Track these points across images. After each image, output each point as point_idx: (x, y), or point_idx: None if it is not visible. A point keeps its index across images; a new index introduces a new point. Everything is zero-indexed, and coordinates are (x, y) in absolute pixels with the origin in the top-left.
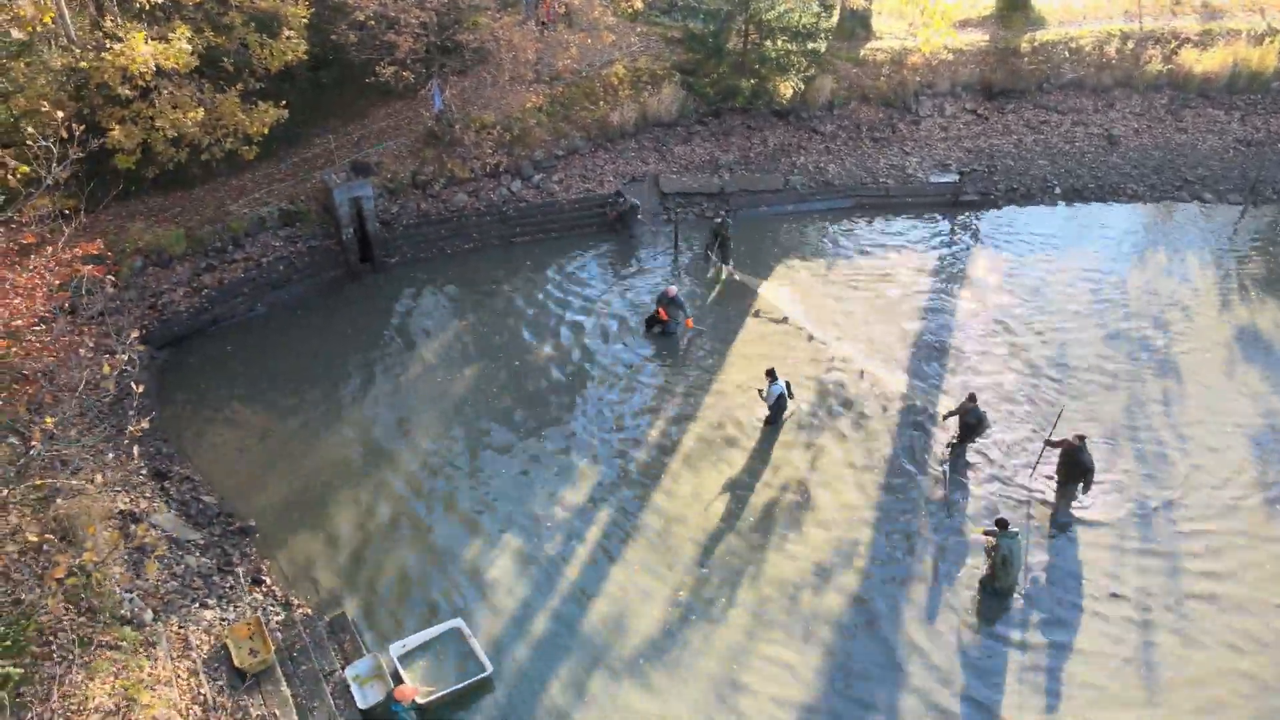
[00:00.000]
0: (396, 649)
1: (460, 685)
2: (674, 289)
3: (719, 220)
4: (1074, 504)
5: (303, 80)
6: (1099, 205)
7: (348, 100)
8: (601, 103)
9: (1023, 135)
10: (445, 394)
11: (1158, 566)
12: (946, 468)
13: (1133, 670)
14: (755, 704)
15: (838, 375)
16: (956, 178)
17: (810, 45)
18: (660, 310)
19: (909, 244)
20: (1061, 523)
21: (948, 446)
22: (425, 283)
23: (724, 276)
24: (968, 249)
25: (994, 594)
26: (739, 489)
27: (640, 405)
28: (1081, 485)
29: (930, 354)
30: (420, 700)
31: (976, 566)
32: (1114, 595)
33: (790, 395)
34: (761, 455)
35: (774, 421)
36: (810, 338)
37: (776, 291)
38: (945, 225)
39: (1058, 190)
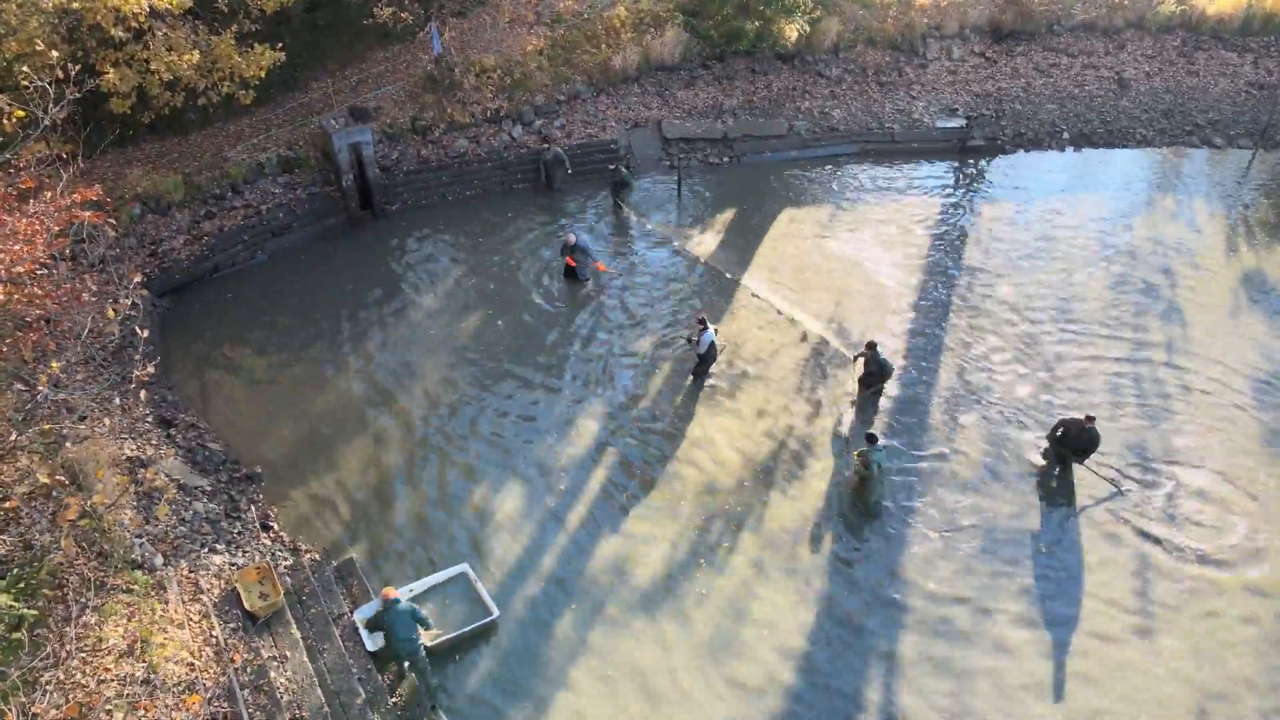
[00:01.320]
0: (404, 592)
1: (466, 629)
2: (573, 236)
3: (613, 169)
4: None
5: (298, 22)
6: (1108, 150)
7: (345, 43)
8: (603, 46)
9: (1031, 79)
10: (448, 340)
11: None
12: (853, 407)
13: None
14: (756, 651)
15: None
16: (963, 123)
17: None
18: (568, 258)
19: (913, 190)
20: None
21: (857, 386)
22: (426, 229)
23: (624, 216)
24: (973, 195)
25: (864, 509)
26: (741, 437)
27: (643, 348)
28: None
29: (931, 305)
30: (428, 644)
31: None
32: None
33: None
34: (765, 403)
35: (703, 372)
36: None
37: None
38: (951, 171)
39: (1066, 135)
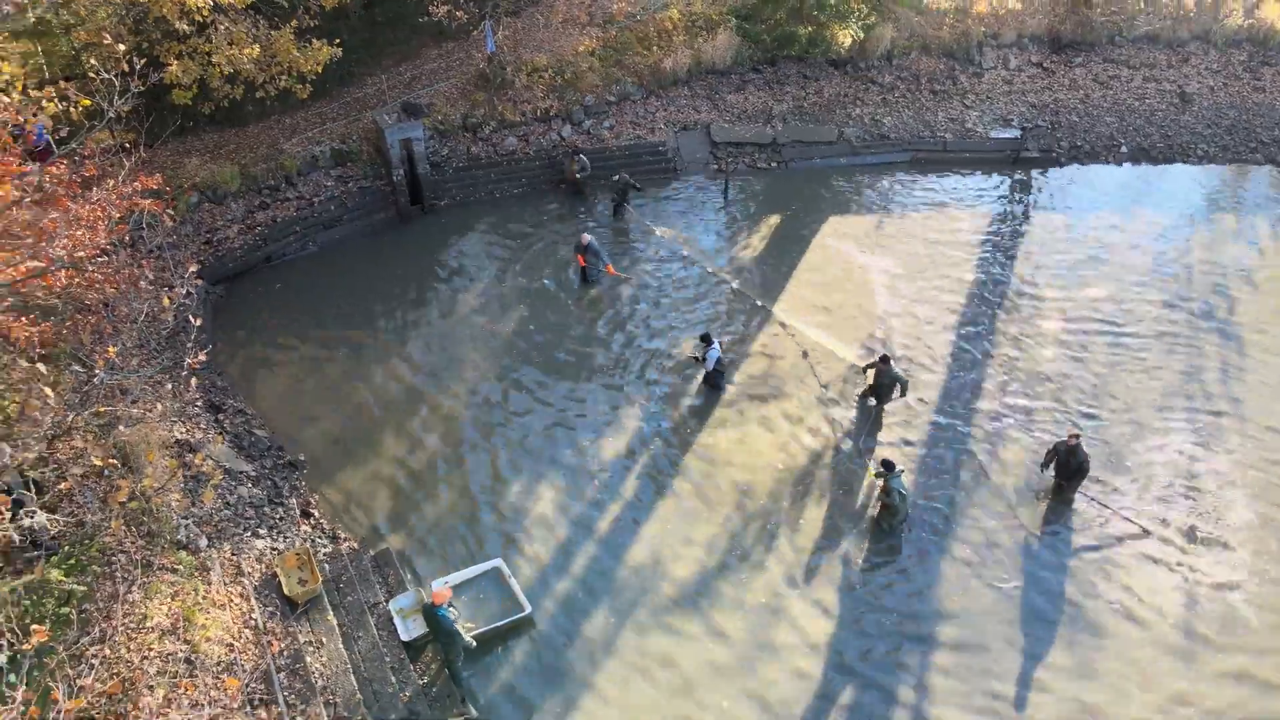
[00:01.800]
0: (438, 585)
1: (499, 624)
2: (588, 236)
3: (616, 178)
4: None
5: (356, 18)
6: (1167, 166)
7: (400, 39)
8: (655, 48)
9: (1090, 90)
10: (490, 337)
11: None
12: (861, 418)
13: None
14: (790, 655)
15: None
16: (1018, 133)
17: None
18: (579, 258)
19: (963, 201)
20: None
21: (863, 398)
22: (473, 226)
23: (627, 216)
24: (1025, 207)
25: (888, 531)
26: (781, 440)
27: (684, 351)
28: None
29: (977, 315)
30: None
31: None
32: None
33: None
34: (805, 407)
35: (718, 385)
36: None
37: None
38: (1003, 182)
39: (1124, 149)
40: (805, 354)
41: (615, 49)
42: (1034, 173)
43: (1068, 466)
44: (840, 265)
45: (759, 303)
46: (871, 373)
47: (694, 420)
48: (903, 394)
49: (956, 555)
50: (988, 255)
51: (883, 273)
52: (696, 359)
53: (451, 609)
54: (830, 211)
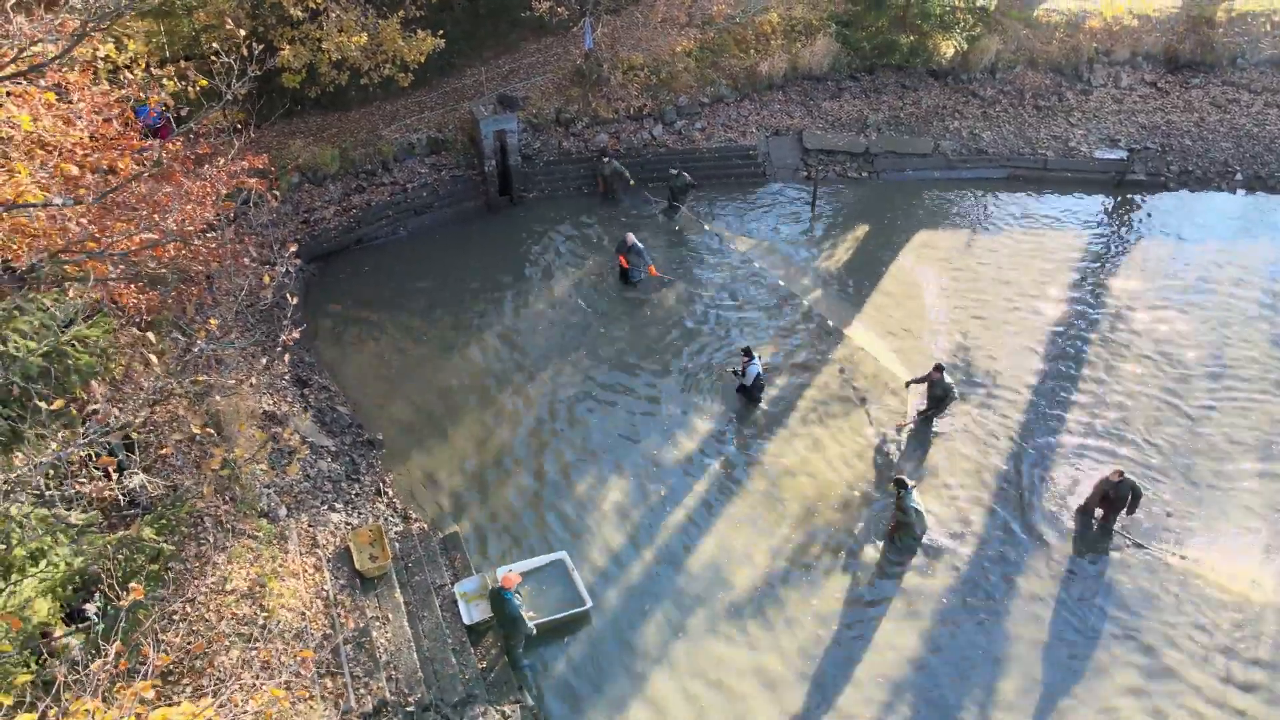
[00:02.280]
0: (503, 572)
1: (559, 616)
2: (631, 236)
3: (674, 173)
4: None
5: (460, 10)
6: None
7: (501, 33)
8: (752, 51)
9: (1206, 113)
10: (569, 330)
11: None
12: (906, 434)
13: None
14: (849, 671)
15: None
16: (1125, 155)
17: (979, 2)
18: (621, 258)
19: (1061, 222)
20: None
21: (918, 414)
22: (559, 220)
23: (679, 216)
24: (1128, 232)
25: (903, 548)
26: (852, 452)
27: (760, 357)
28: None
29: (1063, 345)
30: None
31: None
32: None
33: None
34: (880, 420)
35: (756, 399)
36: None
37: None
38: (1106, 205)
39: (1239, 176)
40: (842, 370)
41: (712, 50)
42: (1139, 197)
43: (1117, 500)
44: (923, 283)
45: (830, 323)
46: (922, 387)
47: (764, 431)
48: (946, 405)
49: (1024, 587)
50: (1081, 281)
51: (967, 294)
52: (735, 373)
53: (517, 595)
54: (920, 226)
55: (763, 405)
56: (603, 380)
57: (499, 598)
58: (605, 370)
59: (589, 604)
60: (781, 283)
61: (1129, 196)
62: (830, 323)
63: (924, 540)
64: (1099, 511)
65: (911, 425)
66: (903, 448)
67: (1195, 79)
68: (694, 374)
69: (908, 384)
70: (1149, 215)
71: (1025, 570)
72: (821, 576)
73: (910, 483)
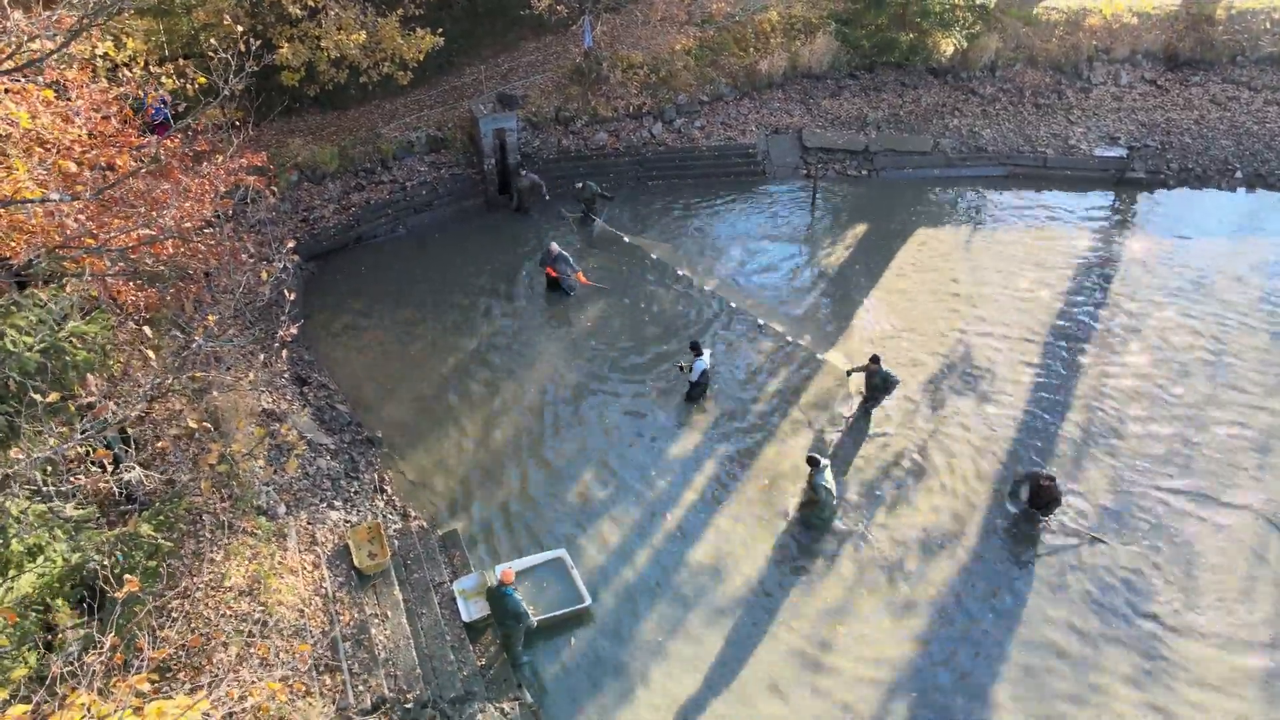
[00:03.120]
0: (504, 567)
1: (559, 613)
2: (555, 245)
3: (580, 185)
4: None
5: (459, 8)
6: None
7: (500, 31)
8: (751, 49)
9: (1206, 111)
10: (568, 328)
11: None
12: (846, 422)
13: None
14: (845, 666)
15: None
16: (1124, 152)
17: (978, 0)
18: (548, 269)
19: (1061, 220)
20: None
21: (859, 404)
22: (559, 218)
23: (596, 230)
24: (1127, 230)
25: (813, 526)
26: (852, 451)
27: (759, 358)
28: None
29: (1068, 342)
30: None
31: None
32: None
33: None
34: (878, 420)
35: (696, 398)
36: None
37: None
38: (1105, 203)
39: (1239, 174)
40: (849, 373)
41: (711, 49)
42: (1139, 194)
43: (1040, 501)
44: (921, 281)
45: (802, 342)
46: (861, 376)
47: (762, 430)
48: (888, 393)
49: (1041, 575)
50: (1080, 278)
51: (965, 291)
52: (682, 368)
53: (515, 590)
54: (919, 224)
55: (709, 405)
56: (604, 377)
57: (498, 594)
58: (605, 368)
59: (588, 601)
60: (734, 304)
61: (1129, 194)
62: (803, 342)
63: (927, 533)
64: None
65: (850, 416)
66: (842, 432)
67: (1195, 76)
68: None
69: (848, 372)
70: (1148, 213)
71: (1024, 567)
72: (820, 573)
73: (823, 461)
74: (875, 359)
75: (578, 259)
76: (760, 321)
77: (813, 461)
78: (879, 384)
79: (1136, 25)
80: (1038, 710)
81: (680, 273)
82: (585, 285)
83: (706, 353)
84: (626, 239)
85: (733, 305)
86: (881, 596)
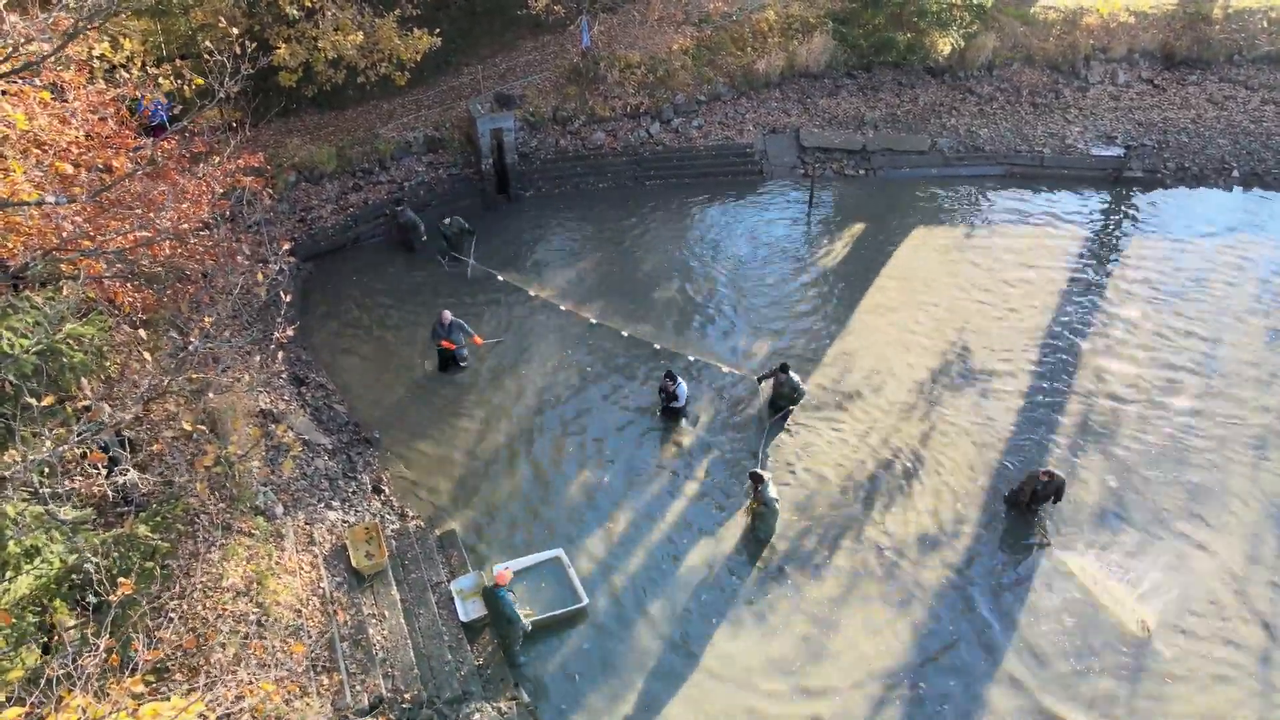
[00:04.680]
0: (499, 568)
1: (556, 613)
2: (449, 314)
3: (448, 221)
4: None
5: (456, 9)
6: None
7: (497, 31)
8: (749, 49)
9: (1203, 110)
10: (566, 328)
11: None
12: (767, 432)
13: None
14: (843, 663)
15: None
16: (1121, 152)
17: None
18: (444, 343)
19: (1058, 219)
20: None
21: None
22: (556, 218)
23: (470, 271)
24: (1123, 229)
25: (760, 539)
26: (849, 449)
27: (758, 355)
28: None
29: (1065, 341)
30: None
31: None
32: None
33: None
34: (874, 419)
35: (684, 416)
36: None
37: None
38: (1102, 202)
39: (1236, 173)
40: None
41: (709, 48)
42: (1136, 193)
43: (1043, 496)
44: (919, 280)
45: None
46: (769, 383)
47: (756, 431)
48: (794, 402)
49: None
50: (1077, 277)
51: (963, 290)
52: (665, 393)
53: (510, 592)
54: (917, 223)
55: (698, 424)
56: (601, 376)
57: (492, 595)
58: (604, 367)
59: (585, 601)
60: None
61: (1126, 193)
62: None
63: (923, 530)
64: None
65: (770, 422)
66: (764, 442)
67: (1192, 76)
68: (696, 369)
69: (759, 379)
70: (1145, 212)
71: (1019, 564)
72: (816, 567)
73: (767, 476)
74: (784, 367)
75: (458, 301)
76: (658, 346)
77: (757, 478)
78: (786, 393)
79: (1133, 24)
80: (1037, 708)
81: (563, 308)
82: (480, 345)
83: (681, 381)
84: (500, 277)
85: (624, 334)
86: (878, 594)
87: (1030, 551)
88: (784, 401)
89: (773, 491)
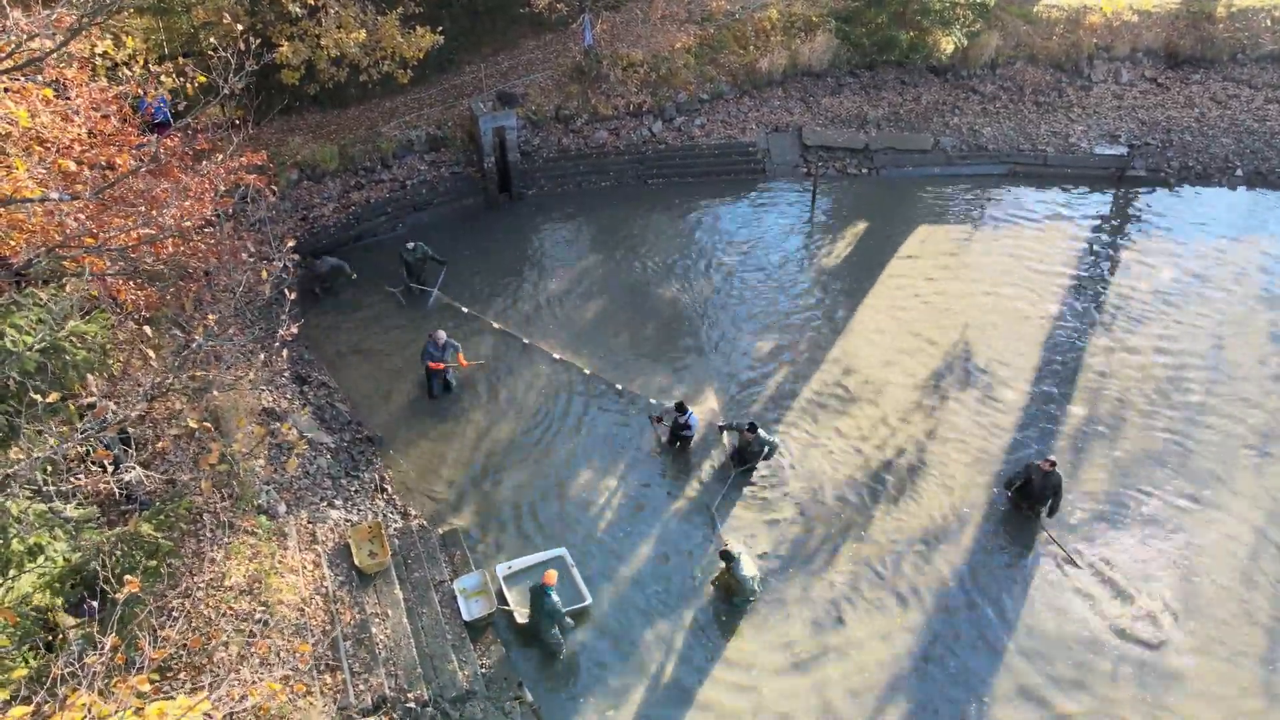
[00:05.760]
0: (502, 569)
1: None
2: (442, 334)
3: (412, 246)
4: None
5: (458, 6)
6: None
7: (500, 29)
8: (751, 47)
9: (1206, 109)
10: (568, 327)
11: None
12: (729, 483)
13: None
14: (847, 659)
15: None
16: (1125, 150)
17: None
18: (435, 364)
19: (1061, 217)
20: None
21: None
22: (558, 216)
23: (431, 302)
24: (1127, 227)
25: (738, 604)
26: (851, 446)
27: (759, 354)
28: (1048, 507)
29: (1068, 339)
30: (520, 620)
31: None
32: None
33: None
34: (876, 418)
35: (682, 446)
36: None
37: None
38: (1105, 200)
39: (1240, 172)
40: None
41: (711, 47)
42: (1139, 192)
43: (1042, 490)
44: (922, 279)
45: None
46: (733, 435)
47: (764, 422)
48: (766, 458)
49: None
50: (1080, 276)
51: (966, 289)
52: (657, 419)
53: (556, 593)
54: (919, 222)
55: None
56: (603, 373)
57: (540, 595)
58: (605, 366)
59: (589, 600)
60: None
61: (1129, 192)
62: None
63: (934, 530)
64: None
65: (732, 474)
66: (725, 497)
67: (1196, 74)
68: (698, 366)
69: (720, 428)
70: (1149, 211)
71: (1021, 563)
72: (818, 568)
73: (735, 552)
74: (752, 426)
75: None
76: (620, 387)
77: (727, 556)
78: (755, 450)
79: (1137, 23)
80: (1036, 706)
81: (526, 342)
82: (466, 368)
83: (691, 409)
84: (465, 310)
85: (587, 373)
86: (882, 593)
87: (1032, 550)
88: (751, 459)
89: (748, 569)
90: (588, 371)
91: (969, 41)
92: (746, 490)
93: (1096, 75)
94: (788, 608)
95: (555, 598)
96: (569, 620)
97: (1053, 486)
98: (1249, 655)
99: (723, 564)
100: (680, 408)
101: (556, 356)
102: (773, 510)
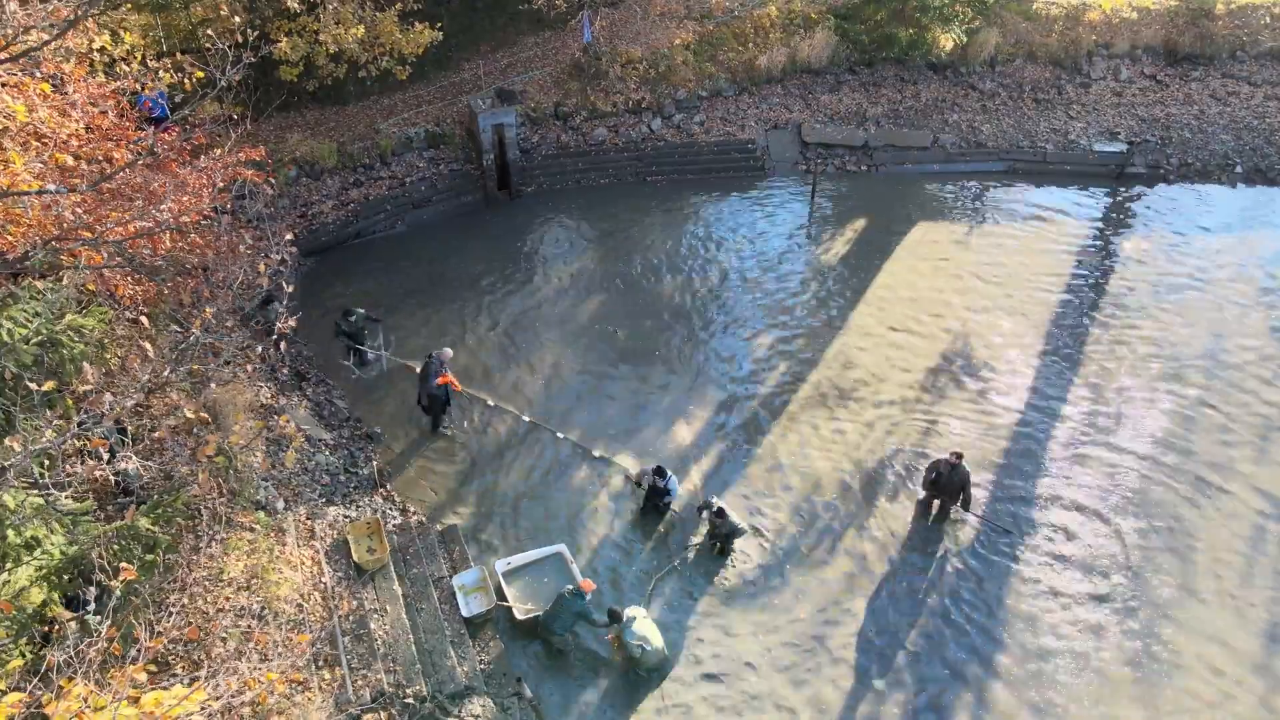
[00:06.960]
0: (501, 565)
1: None
2: (448, 352)
3: (352, 317)
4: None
5: (458, 3)
6: None
7: (499, 26)
8: (750, 44)
9: (1206, 106)
10: (567, 322)
11: None
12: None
13: None
14: (843, 657)
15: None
16: (1124, 148)
17: None
18: (445, 377)
19: (1060, 214)
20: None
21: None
22: (557, 213)
23: (385, 365)
24: (1126, 224)
25: (644, 677)
26: (849, 445)
27: (757, 351)
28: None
29: (1068, 336)
30: (519, 616)
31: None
32: None
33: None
34: (875, 415)
35: (661, 511)
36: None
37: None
38: (1105, 197)
39: (1239, 169)
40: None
41: (710, 44)
42: (1139, 189)
43: (951, 482)
44: (921, 276)
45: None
46: (707, 514)
47: (761, 424)
48: (731, 540)
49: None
50: (1080, 273)
51: (965, 286)
52: (636, 483)
53: (587, 597)
54: (918, 219)
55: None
56: (600, 372)
57: (574, 596)
58: (605, 361)
59: (588, 597)
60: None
61: (1128, 189)
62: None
63: (934, 529)
64: (934, 501)
65: (689, 550)
66: (662, 571)
67: (1195, 72)
68: (694, 362)
69: (699, 509)
70: (1148, 208)
71: (1014, 557)
72: (818, 565)
73: (628, 614)
74: (720, 512)
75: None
76: (597, 454)
77: (614, 615)
78: (724, 533)
79: (1136, 20)
80: (1034, 699)
81: (491, 403)
82: (459, 392)
83: (670, 474)
84: (416, 369)
85: (559, 437)
86: (879, 592)
87: (1033, 550)
88: (720, 540)
89: (637, 629)
90: (560, 436)
91: (968, 38)
92: (743, 489)
93: (1096, 72)
94: (785, 605)
95: (587, 603)
96: (600, 619)
97: (960, 479)
98: (1248, 646)
99: (617, 633)
100: (660, 471)
101: (527, 419)
102: (775, 501)
